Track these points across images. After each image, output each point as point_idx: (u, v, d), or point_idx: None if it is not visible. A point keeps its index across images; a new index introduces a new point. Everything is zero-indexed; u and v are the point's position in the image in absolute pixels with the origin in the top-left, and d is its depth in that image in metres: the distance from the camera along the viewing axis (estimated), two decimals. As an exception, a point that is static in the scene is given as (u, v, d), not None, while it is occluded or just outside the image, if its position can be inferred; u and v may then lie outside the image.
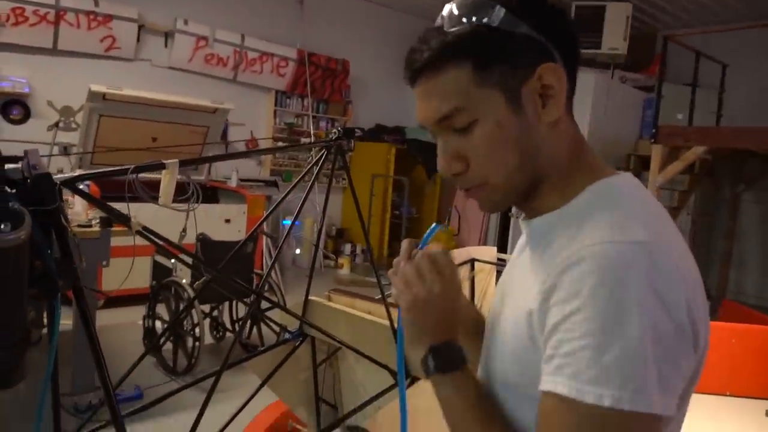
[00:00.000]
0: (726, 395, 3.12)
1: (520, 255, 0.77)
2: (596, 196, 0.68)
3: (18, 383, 0.90)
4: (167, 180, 1.24)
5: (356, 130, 1.64)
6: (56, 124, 5.33)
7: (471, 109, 0.67)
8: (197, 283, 3.48)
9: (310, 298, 1.84)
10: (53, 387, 1.26)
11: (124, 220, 1.14)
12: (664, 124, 5.32)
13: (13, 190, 0.88)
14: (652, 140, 5.26)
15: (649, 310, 0.57)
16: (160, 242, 1.20)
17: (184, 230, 1.49)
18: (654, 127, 5.27)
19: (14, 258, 0.73)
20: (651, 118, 5.59)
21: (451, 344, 0.73)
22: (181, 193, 1.40)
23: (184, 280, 3.50)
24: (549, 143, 0.69)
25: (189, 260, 3.32)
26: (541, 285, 0.63)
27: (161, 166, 1.22)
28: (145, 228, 1.17)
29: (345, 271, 6.67)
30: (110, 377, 1.12)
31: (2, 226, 0.70)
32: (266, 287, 4.03)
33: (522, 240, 0.79)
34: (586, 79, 5.60)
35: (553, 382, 0.59)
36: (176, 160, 1.23)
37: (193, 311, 3.46)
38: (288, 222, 6.04)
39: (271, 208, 1.67)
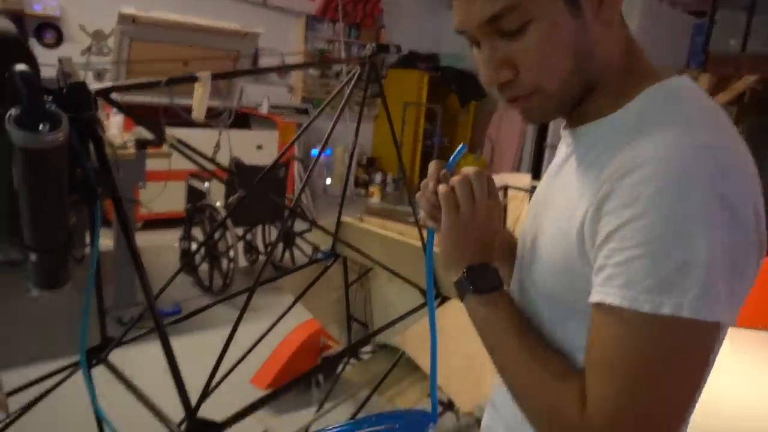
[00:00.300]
0: (758, 329, 3.10)
1: (561, 167, 0.73)
2: (654, 99, 0.63)
3: (64, 285, 0.93)
4: (200, 93, 1.23)
5: (392, 46, 1.57)
6: (89, 49, 5.32)
7: (525, 8, 0.61)
8: (231, 198, 3.53)
9: (342, 219, 1.85)
10: (98, 293, 1.31)
11: (159, 133, 1.15)
12: (715, 52, 5.03)
13: (50, 98, 0.88)
14: (701, 69, 4.99)
15: (715, 216, 0.53)
16: (194, 155, 1.20)
17: (218, 145, 1.49)
18: (704, 55, 5.00)
19: (54, 159, 0.73)
20: (700, 45, 5.28)
21: (488, 266, 0.71)
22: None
23: (218, 203, 3.57)
24: (603, 45, 0.64)
25: (223, 177, 3.36)
26: (593, 193, 0.60)
27: (194, 79, 1.20)
28: (179, 141, 1.17)
29: (375, 200, 6.70)
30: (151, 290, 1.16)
31: (41, 127, 0.70)
32: (298, 210, 4.09)
33: (563, 151, 0.75)
34: (631, 0, 5.28)
35: (602, 293, 0.57)
36: (208, 72, 1.21)
37: (228, 234, 3.55)
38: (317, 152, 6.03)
39: (301, 130, 1.65)
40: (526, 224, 0.79)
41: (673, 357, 0.55)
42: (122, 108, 1.10)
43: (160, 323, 1.14)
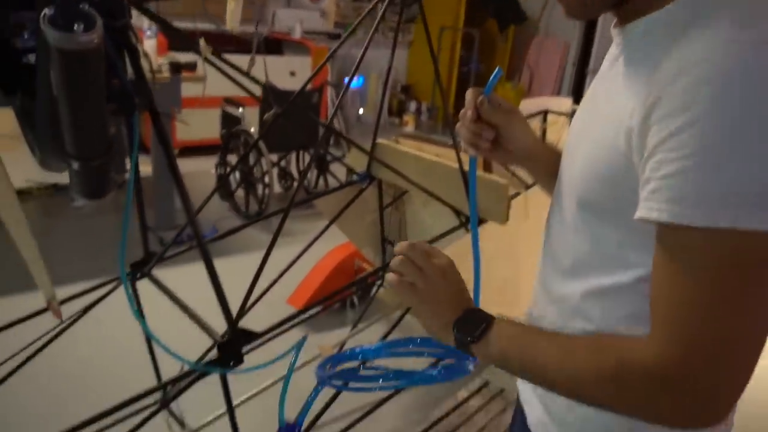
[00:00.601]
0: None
1: (609, 69, 0.68)
2: None
3: (106, 195, 0.95)
4: (233, 5, 1.20)
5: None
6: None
7: None
8: (266, 115, 3.51)
9: (377, 141, 1.82)
10: (139, 209, 1.34)
11: (192, 44, 1.12)
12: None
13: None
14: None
15: None
16: (228, 69, 1.18)
17: (253, 60, 1.46)
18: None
19: (90, 62, 0.72)
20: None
21: (470, 311, 0.68)
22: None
23: (252, 129, 3.57)
24: None
25: (257, 91, 3.29)
26: (641, 101, 0.55)
27: (226, -12, 1.17)
28: (213, 53, 1.15)
29: (410, 129, 6.61)
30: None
31: (75, 27, 0.69)
32: (331, 137, 4.07)
33: (613, 51, 0.70)
34: None
35: (647, 208, 0.53)
36: (241, -19, 1.17)
37: (262, 159, 3.57)
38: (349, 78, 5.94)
39: (332, 51, 1.60)
40: (572, 131, 0.75)
41: (735, 276, 0.50)
42: (154, 16, 1.08)
43: (200, 235, 1.16)
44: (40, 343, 1.34)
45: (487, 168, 1.77)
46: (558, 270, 0.73)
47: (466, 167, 1.61)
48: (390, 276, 0.70)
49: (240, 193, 3.81)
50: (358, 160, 1.93)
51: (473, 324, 0.66)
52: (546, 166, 0.84)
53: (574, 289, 0.69)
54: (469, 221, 1.71)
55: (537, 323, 0.79)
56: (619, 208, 0.60)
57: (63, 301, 1.34)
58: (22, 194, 3.58)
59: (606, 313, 0.66)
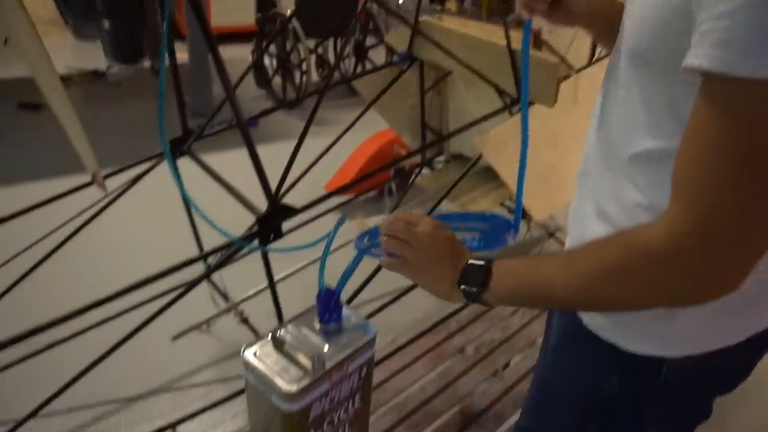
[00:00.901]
0: None
1: None
2: None
3: (138, 61, 0.92)
4: None
5: None
6: None
7: None
8: None
9: (420, 18, 1.71)
10: (176, 88, 1.31)
11: None
12: None
13: None
14: None
15: None
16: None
17: None
18: None
19: None
20: None
21: (467, 265, 0.66)
22: None
23: (288, 11, 3.43)
24: None
25: None
26: None
27: None
28: None
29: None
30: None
31: None
32: (370, 23, 3.90)
33: None
34: None
35: (692, 55, 0.47)
36: None
37: (300, 45, 3.46)
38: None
39: None
40: None
41: None
42: None
43: (239, 110, 1.14)
44: (87, 215, 1.38)
45: (537, 45, 1.66)
46: (610, 132, 0.69)
47: (515, 45, 1.51)
48: (383, 261, 0.70)
49: (277, 81, 3.74)
50: (399, 40, 1.83)
51: (475, 275, 0.65)
52: (609, 23, 0.76)
53: (624, 152, 0.66)
54: (514, 104, 1.63)
55: (589, 195, 0.75)
56: (669, 61, 0.54)
57: (106, 176, 1.37)
58: (63, 80, 3.59)
59: (653, 183, 0.62)
